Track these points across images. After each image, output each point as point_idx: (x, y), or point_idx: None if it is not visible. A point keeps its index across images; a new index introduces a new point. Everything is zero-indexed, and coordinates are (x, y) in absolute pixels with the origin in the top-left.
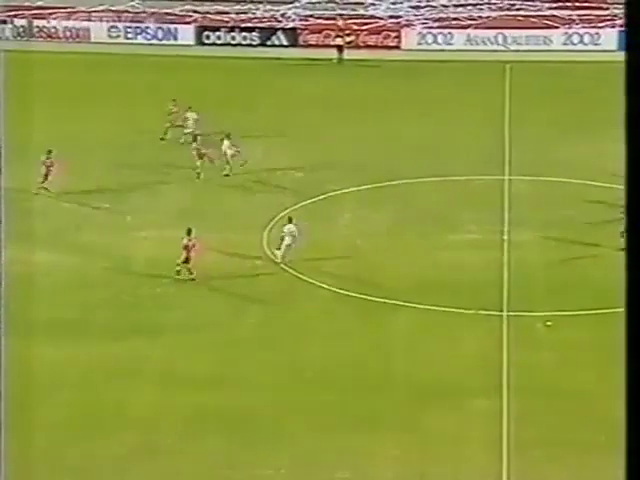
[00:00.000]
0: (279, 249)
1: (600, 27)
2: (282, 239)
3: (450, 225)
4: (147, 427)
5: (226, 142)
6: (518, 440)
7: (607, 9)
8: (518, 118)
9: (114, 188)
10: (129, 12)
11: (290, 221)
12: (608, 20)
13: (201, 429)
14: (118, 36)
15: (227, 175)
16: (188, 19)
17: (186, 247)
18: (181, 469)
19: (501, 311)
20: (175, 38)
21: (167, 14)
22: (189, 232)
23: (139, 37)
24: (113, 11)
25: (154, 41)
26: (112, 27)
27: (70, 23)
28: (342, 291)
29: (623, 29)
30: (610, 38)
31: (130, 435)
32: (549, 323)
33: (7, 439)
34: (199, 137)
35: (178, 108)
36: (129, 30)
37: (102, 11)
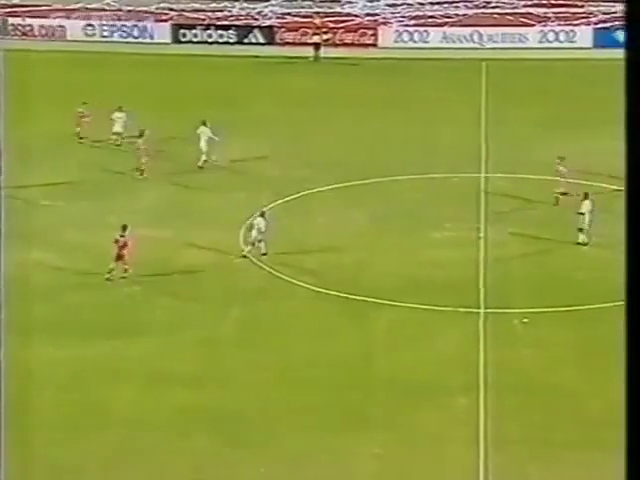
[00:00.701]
0: (261, 241)
1: (576, 25)
2: (251, 233)
3: (428, 223)
4: (130, 427)
5: (204, 129)
6: (496, 438)
7: (582, 7)
8: (495, 115)
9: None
10: (105, 10)
11: (262, 215)
12: (583, 18)
13: (184, 428)
14: (94, 34)
15: (206, 161)
16: (164, 17)
17: (118, 243)
18: (164, 468)
19: (478, 308)
20: (151, 36)
21: (143, 12)
22: (124, 229)
23: (115, 35)
24: (89, 9)
25: (130, 39)
26: (88, 25)
27: (45, 21)
28: (321, 290)
29: (600, 27)
30: (586, 36)
31: (113, 435)
32: (526, 320)
33: None
34: (146, 133)
35: (90, 111)
36: (105, 28)
37: (78, 9)
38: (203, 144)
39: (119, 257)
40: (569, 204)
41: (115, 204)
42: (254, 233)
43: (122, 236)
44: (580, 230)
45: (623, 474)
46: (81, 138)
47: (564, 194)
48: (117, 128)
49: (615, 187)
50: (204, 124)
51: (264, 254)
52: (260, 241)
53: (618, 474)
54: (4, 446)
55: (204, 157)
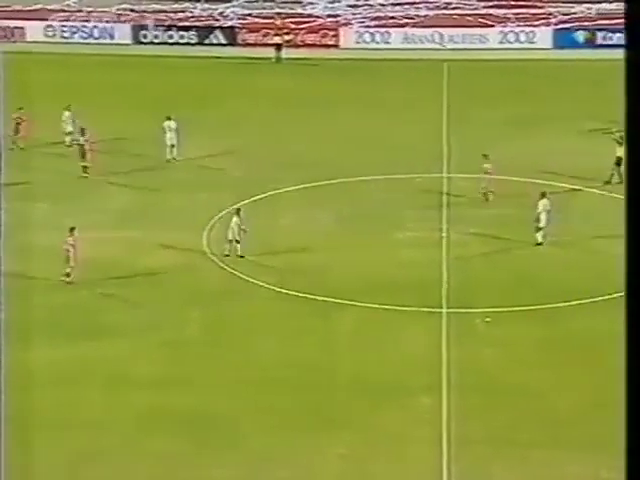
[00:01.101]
0: (238, 242)
1: (535, 25)
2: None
3: (391, 223)
4: (94, 429)
5: (170, 123)
6: (459, 437)
7: (542, 7)
8: (456, 116)
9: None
10: (65, 11)
11: (237, 213)
12: (543, 19)
13: (149, 430)
14: (54, 35)
15: (168, 161)
16: (125, 18)
17: (66, 246)
18: (129, 470)
19: (441, 308)
20: (112, 37)
21: (104, 13)
22: (71, 230)
23: (75, 36)
24: (49, 10)
25: (90, 40)
26: (48, 26)
27: (4, 22)
28: (285, 290)
29: (560, 27)
30: (545, 36)
31: (77, 437)
32: (488, 319)
33: None
34: (86, 132)
35: (26, 116)
36: (65, 29)
37: (38, 10)
38: (169, 138)
39: (68, 259)
40: (527, 203)
41: (68, 206)
42: (231, 230)
43: (70, 238)
44: (538, 229)
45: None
46: (14, 143)
47: (491, 192)
48: (68, 128)
49: (572, 186)
50: (169, 119)
51: (241, 256)
52: (238, 242)
53: (582, 472)
54: None
55: (169, 152)
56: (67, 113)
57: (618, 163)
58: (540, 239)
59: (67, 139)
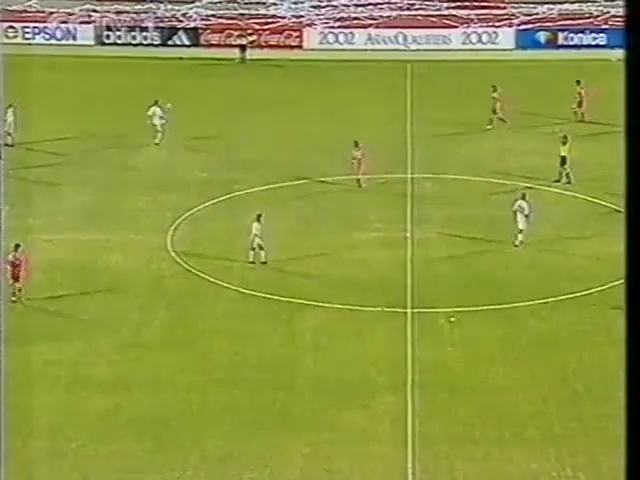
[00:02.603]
0: (262, 248)
1: (498, 26)
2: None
3: (355, 224)
4: (53, 431)
5: (156, 109)
6: (424, 436)
7: (504, 8)
8: (420, 116)
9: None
10: (27, 12)
11: (258, 219)
12: (505, 19)
13: (108, 433)
14: (16, 36)
15: (157, 144)
16: (88, 19)
17: (13, 264)
18: (88, 473)
19: (405, 308)
20: (74, 38)
21: (66, 14)
22: (16, 247)
23: (38, 37)
24: (10, 11)
25: (53, 41)
26: (9, 27)
27: None
28: (248, 291)
29: (522, 28)
30: (508, 37)
31: (36, 439)
32: (452, 319)
33: None
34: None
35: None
36: (27, 30)
37: None
38: (157, 122)
39: (15, 277)
40: (503, 202)
41: (30, 209)
42: (252, 238)
43: (15, 256)
44: (519, 231)
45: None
46: None
47: (362, 177)
48: (7, 127)
49: (525, 184)
50: (156, 103)
51: (264, 263)
52: (261, 248)
53: (543, 468)
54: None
55: (160, 136)
56: (9, 111)
57: (563, 162)
58: (520, 239)
59: (8, 138)
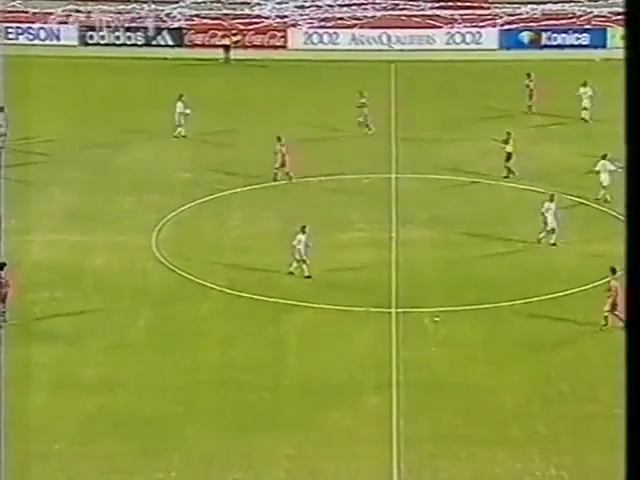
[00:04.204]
0: (305, 262)
1: (482, 27)
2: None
3: (339, 224)
4: (38, 433)
5: (179, 104)
6: (409, 436)
7: (488, 9)
8: (404, 116)
9: None
10: (11, 12)
11: (302, 230)
12: (489, 20)
13: (93, 434)
14: None
15: (176, 137)
16: (71, 19)
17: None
18: (73, 474)
19: (390, 308)
20: (58, 38)
21: (49, 14)
22: (1, 267)
23: (21, 38)
24: None
25: (36, 41)
26: None
27: None
28: (234, 292)
29: (505, 28)
30: (491, 37)
31: (20, 441)
32: (437, 319)
33: None
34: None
35: None
36: (10, 30)
37: None
38: (177, 117)
39: (2, 299)
40: (487, 201)
41: (13, 209)
42: (297, 250)
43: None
44: (552, 231)
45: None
46: None
47: (283, 166)
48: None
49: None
50: (180, 98)
51: (308, 277)
52: (305, 261)
53: (527, 468)
54: None
55: (180, 130)
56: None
57: (508, 159)
58: (554, 240)
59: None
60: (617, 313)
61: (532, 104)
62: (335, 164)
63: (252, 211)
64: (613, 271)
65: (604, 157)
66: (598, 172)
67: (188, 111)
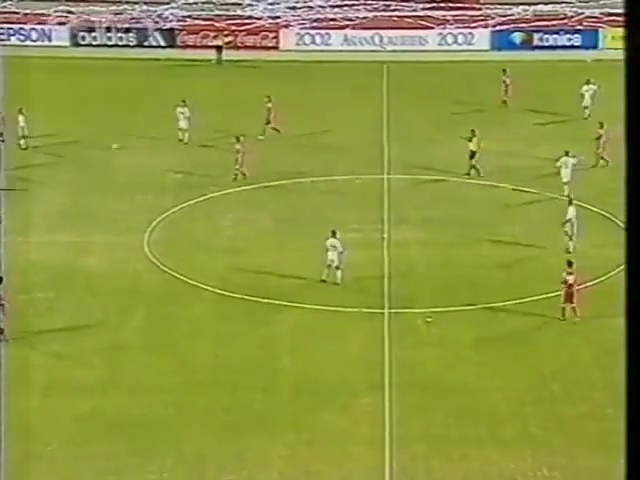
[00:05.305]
0: (338, 268)
1: (473, 27)
2: (326, 252)
3: (332, 224)
4: (31, 434)
5: (184, 109)
6: (401, 436)
7: (480, 9)
8: (396, 117)
9: None
10: (2, 13)
11: (334, 235)
12: (481, 20)
13: (86, 435)
14: None
15: (175, 139)
16: (63, 20)
17: None
18: (65, 476)
19: (382, 308)
20: (49, 39)
21: (42, 15)
22: None
23: (13, 38)
24: None
25: (28, 42)
26: None
27: None
28: (226, 293)
29: (497, 29)
30: (483, 38)
31: (14, 443)
32: (429, 319)
33: None
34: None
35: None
36: (2, 31)
37: None
38: (182, 124)
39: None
40: (479, 202)
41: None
42: (330, 255)
43: None
44: (569, 237)
45: (530, 469)
46: None
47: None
48: (21, 132)
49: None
50: (183, 102)
51: (337, 284)
52: (338, 267)
53: (519, 468)
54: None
55: (181, 134)
56: (20, 117)
57: (471, 156)
58: (571, 247)
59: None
60: (573, 305)
61: (507, 99)
62: (327, 165)
63: (245, 212)
64: (569, 264)
65: (567, 154)
66: (559, 168)
67: (188, 114)
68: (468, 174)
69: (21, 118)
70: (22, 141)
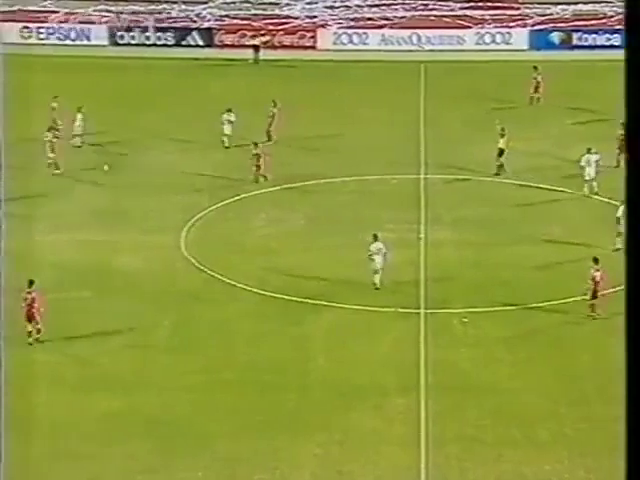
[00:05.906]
0: (377, 273)
1: (511, 27)
2: (370, 258)
3: (368, 224)
4: (61, 432)
5: (228, 115)
6: (437, 437)
7: (518, 9)
8: (433, 116)
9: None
10: (41, 12)
11: (376, 239)
12: (519, 20)
13: (116, 434)
14: (30, 37)
15: (225, 146)
16: (102, 19)
17: (26, 301)
18: (99, 474)
19: (418, 309)
20: (88, 38)
21: (80, 14)
22: (31, 284)
23: (52, 38)
24: (25, 11)
25: (67, 42)
26: (24, 27)
27: None
28: (263, 292)
29: (535, 29)
30: (521, 38)
31: (43, 440)
32: (465, 320)
33: None
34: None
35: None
36: (42, 31)
37: (14, 11)
38: (227, 130)
39: (29, 317)
40: (513, 202)
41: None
42: (377, 259)
43: (29, 292)
44: (620, 235)
45: (566, 470)
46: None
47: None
48: (76, 130)
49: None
50: (229, 111)
51: (377, 288)
52: (376, 272)
53: (555, 470)
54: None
55: (227, 140)
56: (78, 115)
57: (500, 154)
58: (621, 245)
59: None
60: (593, 302)
61: (539, 96)
62: (362, 165)
63: (279, 212)
64: (595, 261)
65: (589, 151)
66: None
67: (234, 119)
68: (498, 174)
69: (79, 116)
70: (76, 139)
